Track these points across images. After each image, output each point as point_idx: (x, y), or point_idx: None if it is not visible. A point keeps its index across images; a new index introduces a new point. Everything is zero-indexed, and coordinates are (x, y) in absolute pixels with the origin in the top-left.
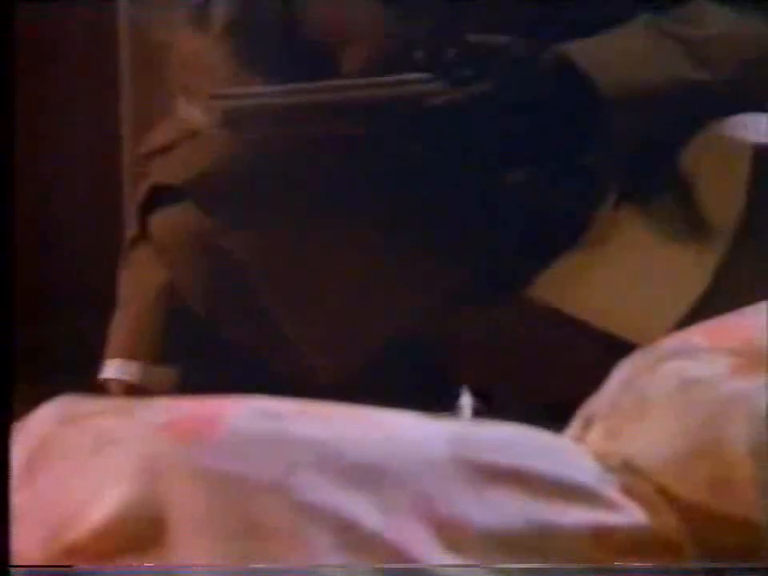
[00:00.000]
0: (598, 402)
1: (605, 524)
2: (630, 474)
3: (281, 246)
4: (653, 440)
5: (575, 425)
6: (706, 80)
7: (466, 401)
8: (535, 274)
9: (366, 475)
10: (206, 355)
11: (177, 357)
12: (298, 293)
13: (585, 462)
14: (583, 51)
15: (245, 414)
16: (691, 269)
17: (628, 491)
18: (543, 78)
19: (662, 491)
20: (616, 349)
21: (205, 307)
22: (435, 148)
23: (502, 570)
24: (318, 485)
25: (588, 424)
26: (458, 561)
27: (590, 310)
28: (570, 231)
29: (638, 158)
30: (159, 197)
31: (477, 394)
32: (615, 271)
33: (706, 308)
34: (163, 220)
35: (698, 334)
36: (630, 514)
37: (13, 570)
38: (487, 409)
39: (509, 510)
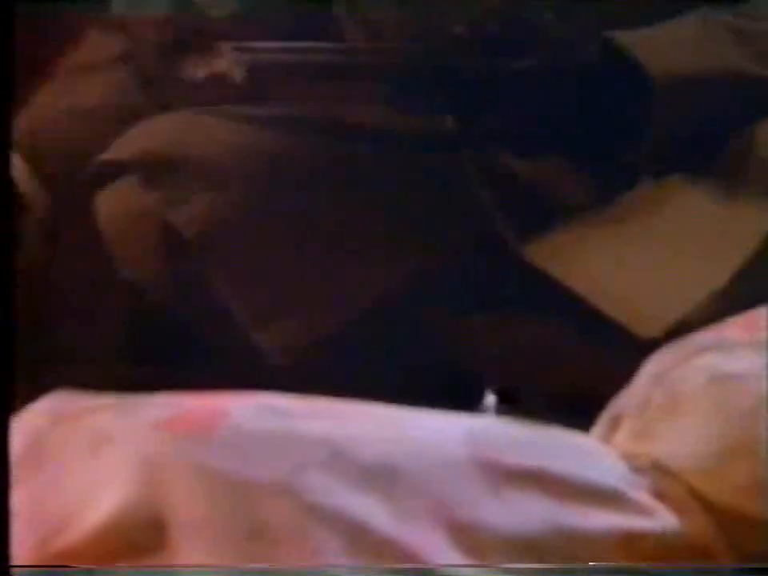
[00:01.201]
0: (626, 400)
1: (633, 529)
2: (660, 476)
3: (227, 221)
4: (684, 439)
5: (602, 424)
6: (763, 74)
7: (490, 400)
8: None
9: (379, 476)
10: (152, 339)
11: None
12: (245, 270)
13: (612, 463)
14: (631, 37)
15: (250, 410)
16: (716, 264)
17: (658, 494)
18: (585, 59)
19: (695, 494)
20: (644, 345)
21: (150, 286)
22: (465, 120)
23: (508, 570)
24: (328, 486)
25: (615, 423)
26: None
27: (586, 282)
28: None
29: (681, 144)
30: (105, 173)
31: (500, 393)
32: (629, 251)
33: (730, 302)
34: (108, 195)
35: (731, 327)
36: (661, 519)
37: (13, 570)
38: (511, 408)
39: (531, 513)
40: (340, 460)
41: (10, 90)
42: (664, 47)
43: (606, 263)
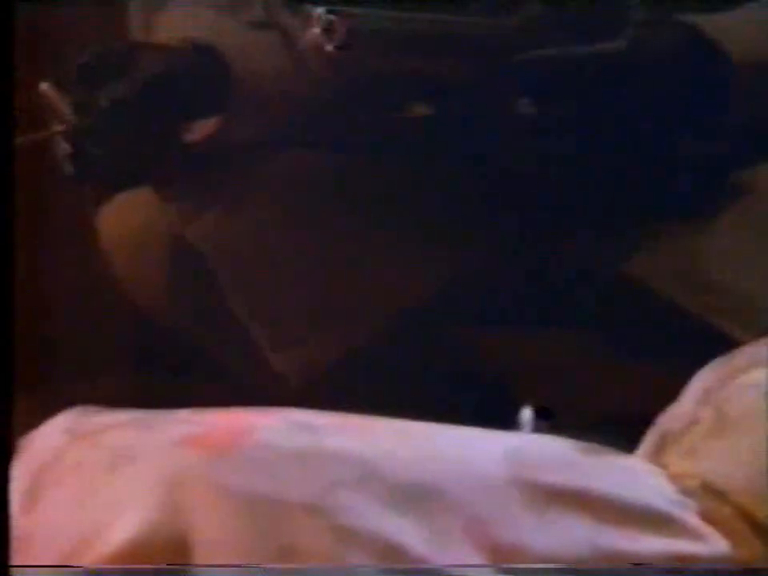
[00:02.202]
0: (673, 417)
1: (682, 553)
2: (710, 498)
3: (246, 236)
4: (735, 459)
5: (647, 442)
6: None
7: (527, 416)
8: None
9: (413, 496)
10: (158, 361)
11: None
12: (263, 289)
13: (659, 484)
14: (711, 21)
15: (277, 426)
16: None
17: (708, 517)
18: (667, 43)
19: (747, 517)
20: (692, 359)
21: (158, 308)
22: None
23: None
24: (360, 506)
25: (662, 441)
26: None
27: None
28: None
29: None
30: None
31: (539, 409)
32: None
33: None
34: (111, 209)
35: None
36: (711, 543)
37: (13, 570)
38: (550, 425)
39: (573, 535)
40: (372, 479)
41: (10, 90)
42: (745, 31)
43: (708, 262)
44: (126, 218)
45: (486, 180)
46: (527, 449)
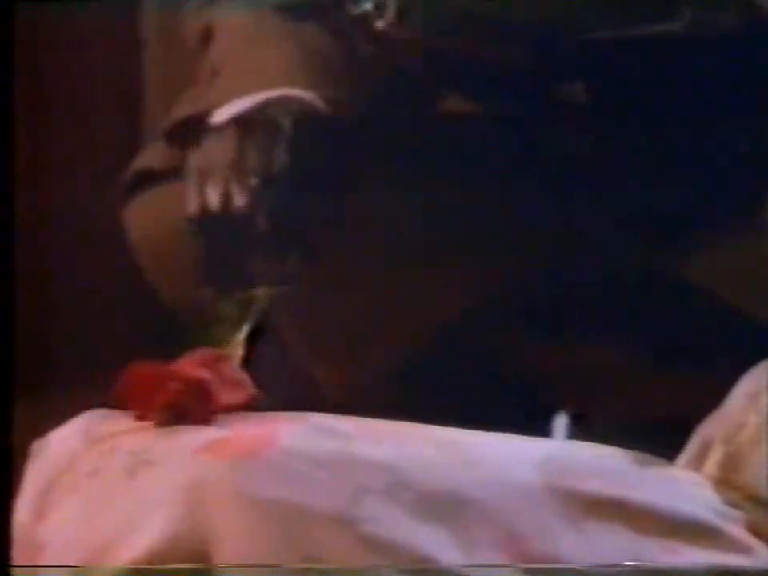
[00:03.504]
0: (718, 423)
1: (728, 566)
2: (757, 509)
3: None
4: None
5: (690, 450)
6: None
7: (561, 422)
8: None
9: (444, 505)
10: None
11: None
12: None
13: (702, 494)
14: None
15: (302, 432)
16: None
17: (755, 529)
18: (727, 23)
19: None
20: (736, 362)
21: (189, 310)
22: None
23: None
24: (388, 515)
25: (706, 449)
26: None
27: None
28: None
29: None
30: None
31: (575, 415)
32: None
33: None
34: (141, 208)
35: None
36: (758, 556)
37: (13, 569)
38: (585, 431)
39: (612, 547)
40: (401, 487)
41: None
42: None
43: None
44: (155, 212)
45: (532, 178)
46: (563, 456)
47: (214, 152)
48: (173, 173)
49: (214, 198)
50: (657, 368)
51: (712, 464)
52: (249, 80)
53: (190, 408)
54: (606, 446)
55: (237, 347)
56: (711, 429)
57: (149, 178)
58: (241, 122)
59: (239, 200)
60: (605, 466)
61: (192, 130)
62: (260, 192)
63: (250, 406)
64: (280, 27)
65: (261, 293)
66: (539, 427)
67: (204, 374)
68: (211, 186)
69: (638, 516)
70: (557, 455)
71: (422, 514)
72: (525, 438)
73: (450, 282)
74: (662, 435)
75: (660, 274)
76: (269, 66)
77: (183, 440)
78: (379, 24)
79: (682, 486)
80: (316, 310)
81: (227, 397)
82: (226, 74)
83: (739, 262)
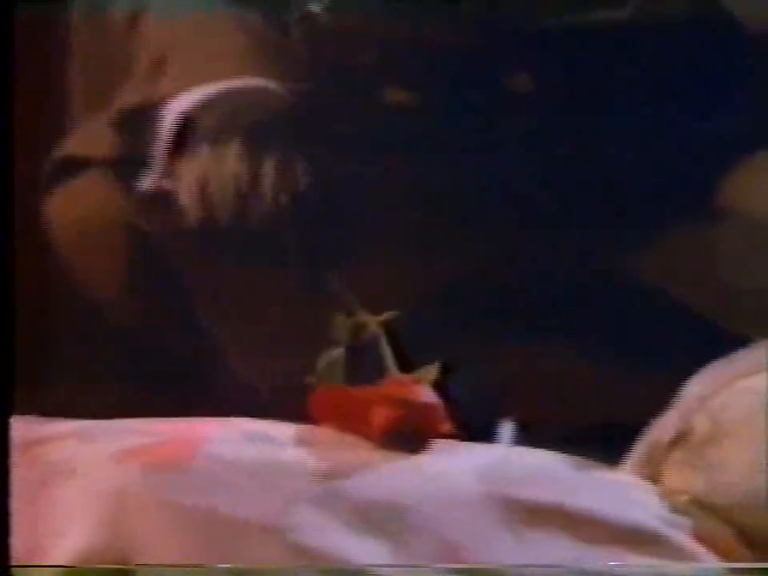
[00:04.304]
0: (664, 427)
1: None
2: (704, 515)
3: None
4: (732, 472)
5: (636, 454)
6: None
7: (507, 428)
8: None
9: (379, 515)
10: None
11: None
12: (233, 293)
13: (648, 500)
14: None
15: (230, 438)
16: None
17: (701, 535)
18: (676, 12)
19: (743, 536)
20: (685, 364)
21: (116, 308)
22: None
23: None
24: (320, 524)
25: (652, 453)
26: None
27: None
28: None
29: None
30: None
31: (519, 422)
32: None
33: None
34: (63, 197)
35: None
36: (704, 563)
37: (13, 569)
38: (532, 437)
39: (554, 556)
40: (336, 495)
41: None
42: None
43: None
44: (78, 205)
45: (478, 174)
46: (504, 463)
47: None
48: (110, 161)
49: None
50: (605, 371)
51: (658, 469)
52: (201, 69)
53: (419, 431)
54: (550, 452)
55: (428, 373)
56: (659, 432)
57: (77, 166)
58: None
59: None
60: (547, 472)
61: (143, 119)
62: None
63: (454, 435)
64: (224, 14)
65: (369, 319)
66: (483, 433)
67: (432, 398)
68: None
69: (581, 523)
70: (497, 462)
71: (357, 523)
72: (465, 444)
73: (388, 281)
74: (610, 440)
75: (608, 272)
76: (219, 55)
77: (105, 447)
78: (314, 8)
79: (626, 491)
80: (246, 308)
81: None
82: (174, 62)
83: (690, 258)
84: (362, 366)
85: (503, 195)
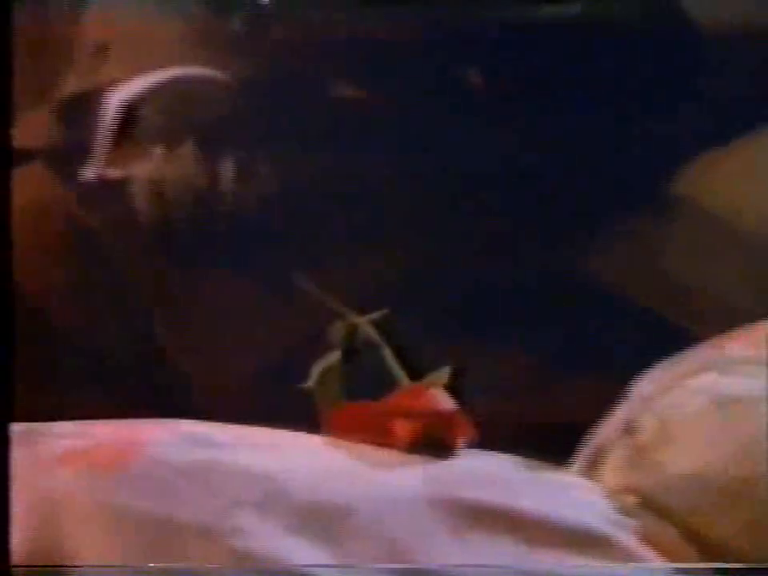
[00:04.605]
0: (612, 427)
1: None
2: (651, 516)
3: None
4: (680, 473)
5: (585, 455)
6: None
7: None
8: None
9: (322, 518)
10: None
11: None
12: (173, 290)
13: (594, 501)
14: None
15: (170, 440)
16: None
17: (648, 537)
18: (626, 10)
19: (691, 536)
20: (633, 362)
21: (58, 305)
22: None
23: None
24: (261, 528)
25: (599, 454)
26: None
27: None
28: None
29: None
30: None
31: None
32: None
33: None
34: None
35: (734, 342)
36: (650, 564)
37: (13, 569)
38: (480, 439)
39: (498, 558)
40: (276, 498)
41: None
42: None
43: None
44: (20, 197)
45: (423, 169)
46: (449, 465)
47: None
48: (53, 151)
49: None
50: (555, 371)
51: (605, 470)
52: (144, 57)
53: (443, 439)
54: (497, 453)
55: (440, 378)
56: (606, 433)
57: (19, 158)
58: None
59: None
60: (493, 474)
61: (85, 108)
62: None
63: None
64: (168, 1)
65: (359, 320)
66: None
67: (450, 405)
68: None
69: (526, 525)
70: (441, 465)
71: (299, 526)
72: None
73: (325, 281)
74: (558, 440)
75: (558, 270)
76: (163, 43)
77: (43, 450)
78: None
79: (573, 493)
80: (193, 305)
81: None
82: (116, 51)
83: (637, 254)
84: (361, 370)
85: (450, 192)
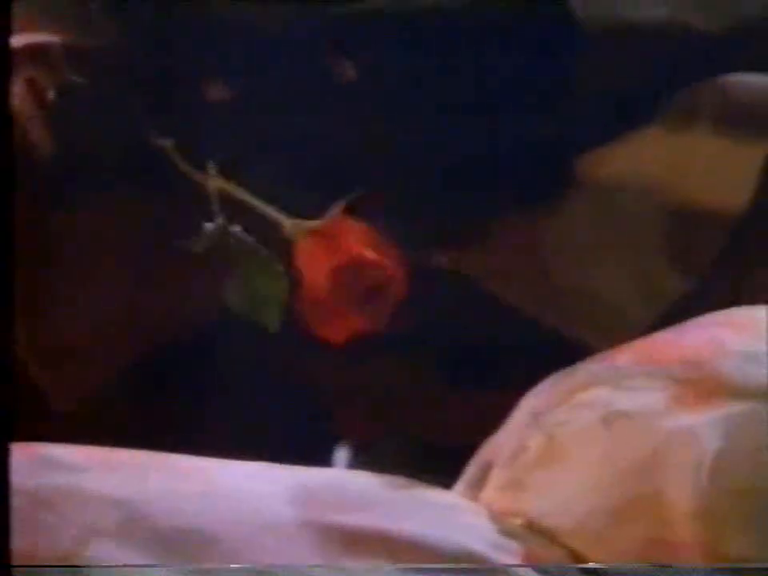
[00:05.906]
0: (496, 446)
1: None
2: (536, 538)
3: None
4: (567, 493)
5: (467, 475)
6: (705, 28)
7: (342, 453)
8: None
9: (185, 544)
10: None
11: None
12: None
13: (477, 523)
14: None
15: (23, 464)
16: None
17: (533, 560)
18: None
19: (578, 560)
20: (521, 381)
21: None
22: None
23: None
24: (120, 558)
25: (483, 474)
26: None
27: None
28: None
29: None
30: None
31: (358, 444)
32: None
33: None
34: None
35: (624, 354)
36: None
37: (14, 569)
38: (369, 459)
39: None
40: (136, 524)
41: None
42: None
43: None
44: None
45: (299, 169)
46: (320, 486)
47: None
48: None
49: None
50: (442, 387)
51: (490, 490)
52: None
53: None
54: (377, 474)
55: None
56: (491, 452)
57: None
58: None
59: None
60: (371, 496)
61: None
62: None
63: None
64: None
65: None
66: (319, 455)
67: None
68: None
69: (404, 549)
70: (316, 486)
71: (159, 554)
72: (279, 467)
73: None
74: (443, 460)
75: (443, 276)
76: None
77: None
78: None
79: (455, 514)
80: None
81: None
82: None
83: (520, 259)
84: None
85: (334, 184)
